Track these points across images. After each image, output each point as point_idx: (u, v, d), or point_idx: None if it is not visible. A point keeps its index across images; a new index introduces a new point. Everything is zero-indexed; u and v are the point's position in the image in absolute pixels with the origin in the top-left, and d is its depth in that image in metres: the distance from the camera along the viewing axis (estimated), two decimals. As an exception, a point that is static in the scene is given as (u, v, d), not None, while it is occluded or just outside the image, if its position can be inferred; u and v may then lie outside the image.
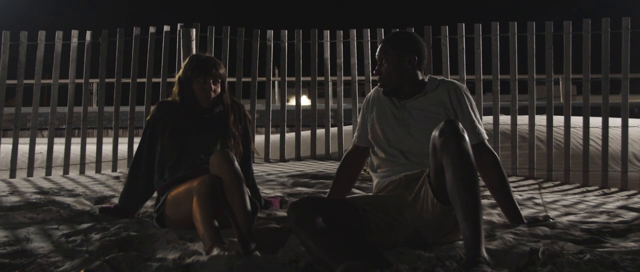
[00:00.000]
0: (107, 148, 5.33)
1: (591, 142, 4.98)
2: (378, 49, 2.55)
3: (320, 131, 5.73)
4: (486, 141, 2.54)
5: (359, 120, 2.74)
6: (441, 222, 2.16)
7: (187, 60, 2.86)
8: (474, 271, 1.76)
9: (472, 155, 2.01)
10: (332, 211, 2.12)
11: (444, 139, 2.01)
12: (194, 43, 5.08)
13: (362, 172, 2.87)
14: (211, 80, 2.75)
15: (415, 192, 2.24)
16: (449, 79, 2.62)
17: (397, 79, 2.50)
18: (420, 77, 2.55)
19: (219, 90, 2.80)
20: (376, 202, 2.27)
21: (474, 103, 2.57)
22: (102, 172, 5.09)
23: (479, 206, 1.93)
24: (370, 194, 2.60)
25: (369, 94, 2.73)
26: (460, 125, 2.07)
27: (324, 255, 1.90)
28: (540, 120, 5.05)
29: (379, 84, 2.58)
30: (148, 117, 2.89)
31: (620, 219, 2.89)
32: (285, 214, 2.93)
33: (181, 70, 2.83)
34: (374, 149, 2.58)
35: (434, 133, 2.09)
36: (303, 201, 2.12)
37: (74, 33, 5.25)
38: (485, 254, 1.86)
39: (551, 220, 2.62)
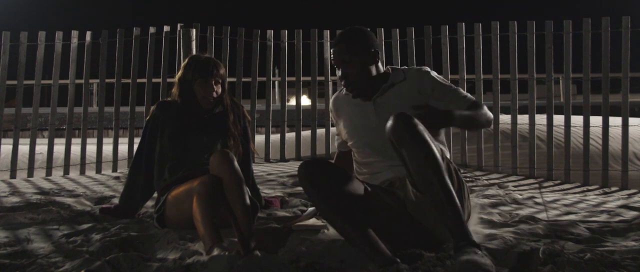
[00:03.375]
0: (107, 148, 5.33)
1: (591, 142, 4.97)
2: (336, 52, 2.40)
3: (321, 131, 5.74)
4: (476, 101, 2.41)
5: (335, 126, 2.63)
6: (431, 212, 2.12)
7: (186, 61, 2.85)
8: (464, 254, 1.74)
9: (426, 139, 1.95)
10: (342, 178, 2.07)
11: (397, 134, 1.97)
12: (194, 43, 5.08)
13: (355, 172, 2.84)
14: (212, 81, 2.75)
15: (406, 185, 2.21)
16: (411, 67, 2.50)
17: (367, 79, 2.40)
18: (382, 69, 2.47)
19: (220, 90, 2.80)
20: (384, 191, 2.23)
21: (443, 78, 2.45)
22: (103, 172, 5.09)
23: (449, 190, 1.89)
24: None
25: (332, 99, 2.62)
26: (407, 115, 1.99)
27: (346, 228, 1.93)
28: (541, 119, 5.05)
29: (345, 88, 2.46)
30: (147, 117, 2.89)
31: (621, 218, 2.90)
32: (285, 213, 2.93)
33: (181, 72, 2.83)
34: (354, 154, 2.48)
35: (387, 128, 2.02)
36: (318, 160, 2.07)
37: (74, 33, 5.25)
38: (471, 236, 1.83)
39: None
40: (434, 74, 2.44)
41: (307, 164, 2.03)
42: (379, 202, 2.16)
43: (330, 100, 2.63)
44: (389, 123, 2.00)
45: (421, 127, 1.98)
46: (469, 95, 2.43)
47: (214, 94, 2.77)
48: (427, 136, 1.98)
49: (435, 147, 1.97)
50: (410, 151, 1.95)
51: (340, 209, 1.97)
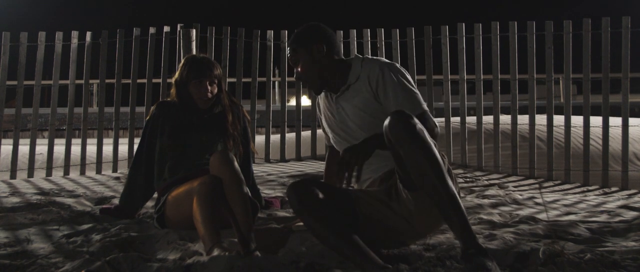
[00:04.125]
0: (107, 149, 5.33)
1: (591, 142, 4.97)
2: (288, 54, 2.43)
3: (321, 131, 5.73)
4: (426, 112, 2.23)
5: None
6: (423, 210, 2.11)
7: (182, 62, 2.85)
8: (471, 263, 1.73)
9: (427, 139, 1.92)
10: (330, 194, 2.09)
11: (395, 133, 1.93)
12: (194, 44, 5.08)
13: None
14: (207, 82, 2.75)
15: (393, 184, 2.21)
16: (372, 59, 2.37)
17: (317, 74, 2.37)
18: (339, 62, 2.40)
19: (215, 90, 2.79)
20: (367, 194, 2.24)
21: (402, 76, 2.30)
22: (103, 173, 5.09)
23: (453, 193, 1.86)
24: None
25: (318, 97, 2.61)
26: (406, 113, 1.96)
27: (334, 240, 1.90)
28: (541, 119, 5.05)
29: (306, 87, 2.46)
30: (147, 118, 2.89)
31: (621, 218, 2.90)
32: (286, 214, 2.93)
33: (177, 73, 2.83)
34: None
35: (384, 126, 1.99)
36: (304, 180, 2.08)
37: (74, 34, 5.25)
38: (479, 242, 1.81)
39: None
40: (392, 70, 2.30)
41: (295, 185, 2.04)
42: (365, 208, 2.17)
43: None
44: (387, 121, 1.97)
45: (420, 126, 1.95)
46: (420, 103, 2.25)
47: (209, 95, 2.76)
48: (427, 136, 1.94)
49: (434, 147, 1.95)
50: (409, 152, 1.91)
51: (330, 225, 1.95)
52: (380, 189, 2.25)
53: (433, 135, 2.15)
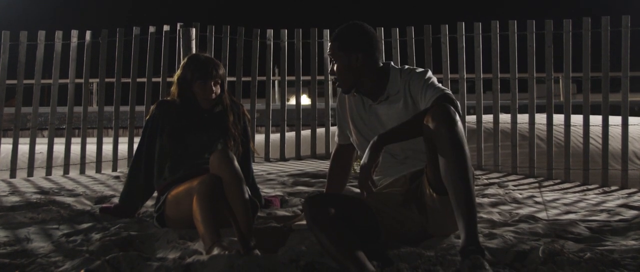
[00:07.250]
0: (107, 148, 5.33)
1: (591, 141, 4.97)
2: (329, 46, 2.41)
3: (321, 130, 5.74)
4: (449, 94, 2.17)
5: (337, 118, 2.64)
6: (444, 215, 2.13)
7: (185, 60, 2.84)
8: (469, 259, 1.76)
9: (464, 140, 1.97)
10: (346, 208, 2.10)
11: (436, 125, 1.96)
12: (193, 42, 5.08)
13: (353, 170, 2.84)
14: (211, 82, 2.75)
15: (417, 187, 2.24)
16: (409, 69, 2.37)
17: (350, 79, 2.36)
18: (376, 70, 2.37)
19: (219, 91, 2.80)
20: (386, 199, 2.26)
21: (429, 78, 2.28)
22: (103, 172, 5.09)
23: (472, 193, 1.90)
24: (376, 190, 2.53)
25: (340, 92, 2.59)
26: (452, 109, 1.99)
27: (341, 257, 1.89)
28: (541, 118, 5.05)
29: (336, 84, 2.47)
30: (147, 117, 2.88)
31: (621, 217, 2.90)
32: (285, 213, 2.93)
33: (180, 71, 2.82)
34: (359, 153, 2.49)
35: (426, 119, 2.01)
36: (320, 196, 2.10)
37: (74, 33, 5.25)
38: (479, 242, 1.84)
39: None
40: (421, 75, 2.31)
41: (309, 201, 2.04)
42: (387, 220, 2.19)
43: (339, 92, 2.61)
44: (430, 112, 1.99)
45: (460, 124, 1.97)
46: (439, 86, 2.22)
47: (213, 96, 2.76)
48: (464, 137, 1.97)
49: (468, 149, 1.97)
50: (444, 147, 1.94)
51: (340, 244, 1.94)
52: (402, 190, 2.28)
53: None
